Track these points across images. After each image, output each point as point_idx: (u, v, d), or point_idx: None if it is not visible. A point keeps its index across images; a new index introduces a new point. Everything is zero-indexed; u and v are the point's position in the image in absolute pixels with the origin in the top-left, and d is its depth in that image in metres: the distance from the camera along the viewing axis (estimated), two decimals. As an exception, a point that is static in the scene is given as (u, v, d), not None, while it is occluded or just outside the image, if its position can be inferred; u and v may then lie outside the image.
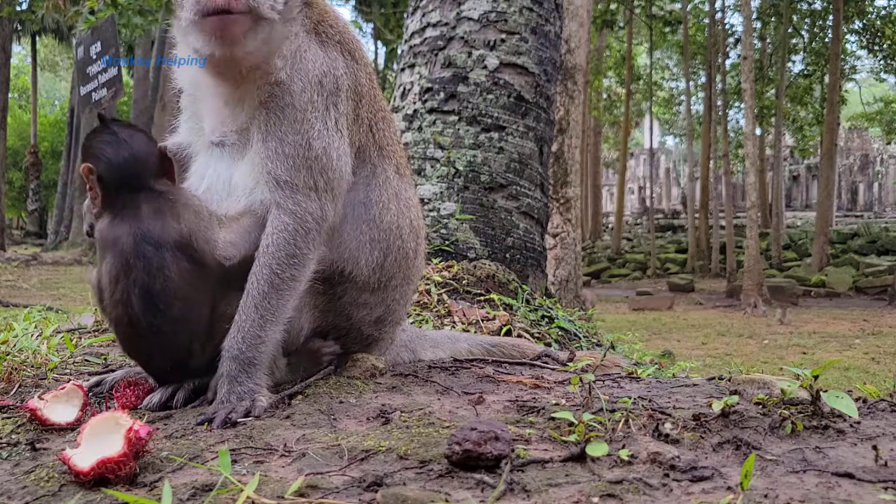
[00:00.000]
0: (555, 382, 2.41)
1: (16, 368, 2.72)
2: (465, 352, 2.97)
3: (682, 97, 49.09)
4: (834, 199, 41.57)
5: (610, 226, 52.22)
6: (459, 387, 2.24)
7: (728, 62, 41.34)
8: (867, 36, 39.86)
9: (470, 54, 7.59)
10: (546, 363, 3.02)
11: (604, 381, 2.57)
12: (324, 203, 2.29)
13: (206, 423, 2.07)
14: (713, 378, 2.91)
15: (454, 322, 6.19)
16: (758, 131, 34.10)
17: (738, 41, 38.54)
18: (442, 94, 7.60)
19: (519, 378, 2.33)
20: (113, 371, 2.41)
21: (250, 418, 2.09)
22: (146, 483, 1.73)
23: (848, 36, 40.17)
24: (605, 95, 46.86)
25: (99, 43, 7.32)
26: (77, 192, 34.32)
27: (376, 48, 45.15)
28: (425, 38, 7.78)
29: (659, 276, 38.38)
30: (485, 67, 7.55)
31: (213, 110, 2.48)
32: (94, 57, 7.40)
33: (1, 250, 29.74)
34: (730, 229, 34.41)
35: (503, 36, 7.60)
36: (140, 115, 31.48)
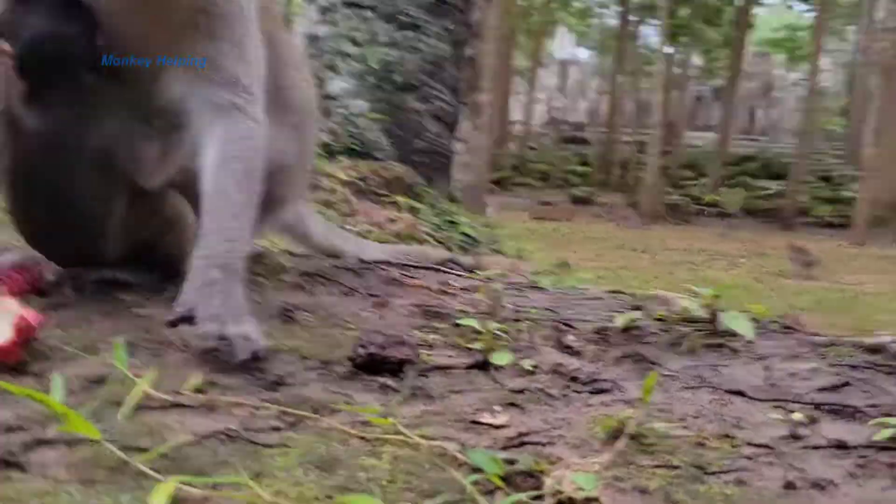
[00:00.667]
0: (460, 289, 2.41)
1: None
2: (371, 254, 2.93)
3: (598, 10, 48.97)
4: (732, 121, 42.38)
5: (517, 134, 52.33)
6: (365, 288, 2.23)
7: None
8: (780, -39, 40.27)
9: (390, -51, 7.37)
10: (452, 269, 3.02)
11: (508, 289, 2.59)
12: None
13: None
14: (616, 291, 2.96)
15: (357, 222, 6.16)
16: (668, 50, 34.38)
17: (656, -44, 38.44)
18: (359, -12, 7.39)
19: (425, 283, 2.32)
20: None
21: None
22: (35, 373, 1.67)
23: (762, -40, 40.52)
24: (519, 2, 46.37)
25: None
26: None
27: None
28: (345, -71, 7.50)
29: (561, 187, 38.80)
30: (405, -37, 7.35)
31: None
32: None
33: None
34: (633, 146, 34.95)
35: (424, -68, 7.39)
36: None
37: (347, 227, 6.04)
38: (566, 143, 48.66)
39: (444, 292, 2.34)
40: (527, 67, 50.17)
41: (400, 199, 6.51)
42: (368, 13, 7.35)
